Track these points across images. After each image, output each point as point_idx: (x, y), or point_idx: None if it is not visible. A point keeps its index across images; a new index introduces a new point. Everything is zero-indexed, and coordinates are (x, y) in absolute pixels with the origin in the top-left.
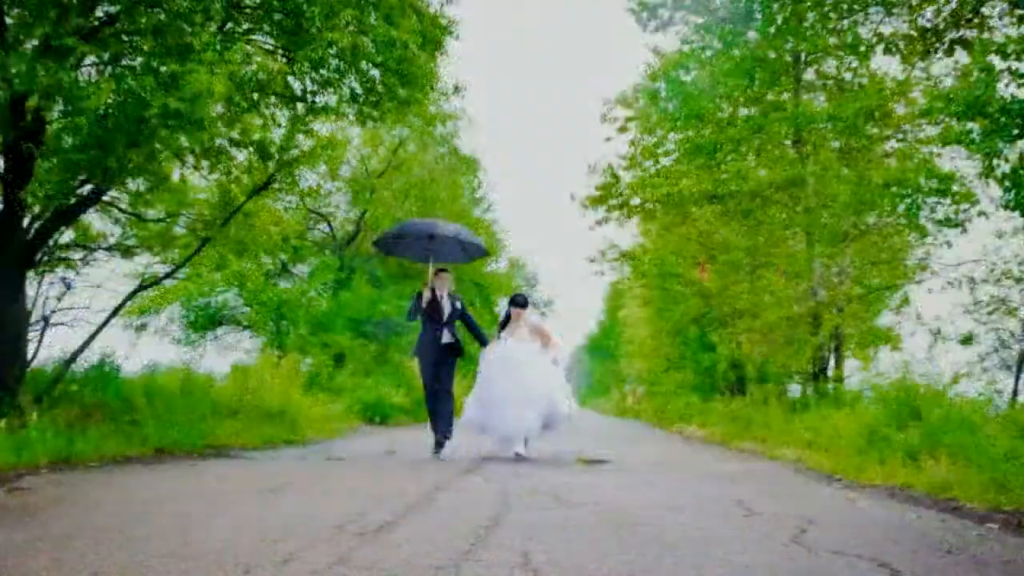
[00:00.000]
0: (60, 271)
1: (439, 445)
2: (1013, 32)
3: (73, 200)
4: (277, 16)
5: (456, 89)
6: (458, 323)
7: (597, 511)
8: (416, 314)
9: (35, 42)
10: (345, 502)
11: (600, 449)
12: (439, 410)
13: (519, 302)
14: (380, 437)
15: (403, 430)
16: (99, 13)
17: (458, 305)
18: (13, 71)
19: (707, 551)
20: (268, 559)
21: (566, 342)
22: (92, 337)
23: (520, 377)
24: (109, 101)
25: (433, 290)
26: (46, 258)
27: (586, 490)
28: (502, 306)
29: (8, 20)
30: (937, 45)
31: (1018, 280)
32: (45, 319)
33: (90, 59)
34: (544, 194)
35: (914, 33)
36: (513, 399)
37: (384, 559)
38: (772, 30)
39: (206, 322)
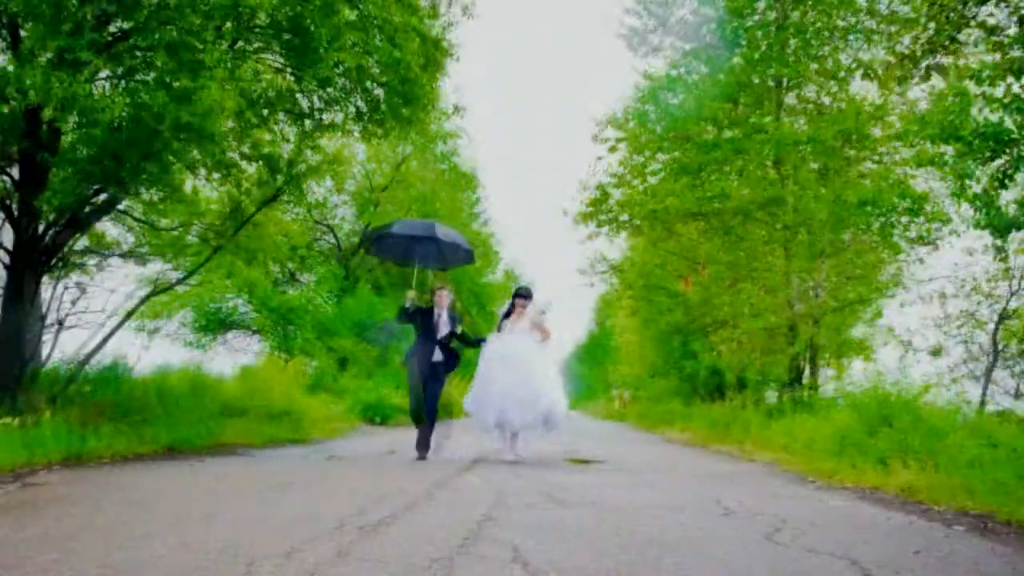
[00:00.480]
0: (75, 276)
1: (438, 447)
2: (988, 59)
3: (88, 208)
4: (286, 36)
5: (456, 109)
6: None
7: (583, 506)
8: (414, 316)
9: (50, 55)
10: (346, 500)
11: (593, 450)
12: (428, 416)
13: (523, 293)
14: (381, 437)
15: (403, 430)
16: (112, 29)
17: (458, 330)
18: (28, 83)
19: (697, 550)
20: (270, 554)
21: (559, 348)
22: (106, 339)
23: (522, 376)
24: (123, 114)
25: (432, 308)
26: (61, 263)
27: (578, 489)
28: (502, 311)
29: (23, 33)
30: (914, 71)
31: (987, 295)
32: (60, 322)
33: (105, 73)
34: (538, 203)
35: (892, 59)
36: (515, 398)
37: (383, 554)
38: (756, 56)
39: (216, 326)
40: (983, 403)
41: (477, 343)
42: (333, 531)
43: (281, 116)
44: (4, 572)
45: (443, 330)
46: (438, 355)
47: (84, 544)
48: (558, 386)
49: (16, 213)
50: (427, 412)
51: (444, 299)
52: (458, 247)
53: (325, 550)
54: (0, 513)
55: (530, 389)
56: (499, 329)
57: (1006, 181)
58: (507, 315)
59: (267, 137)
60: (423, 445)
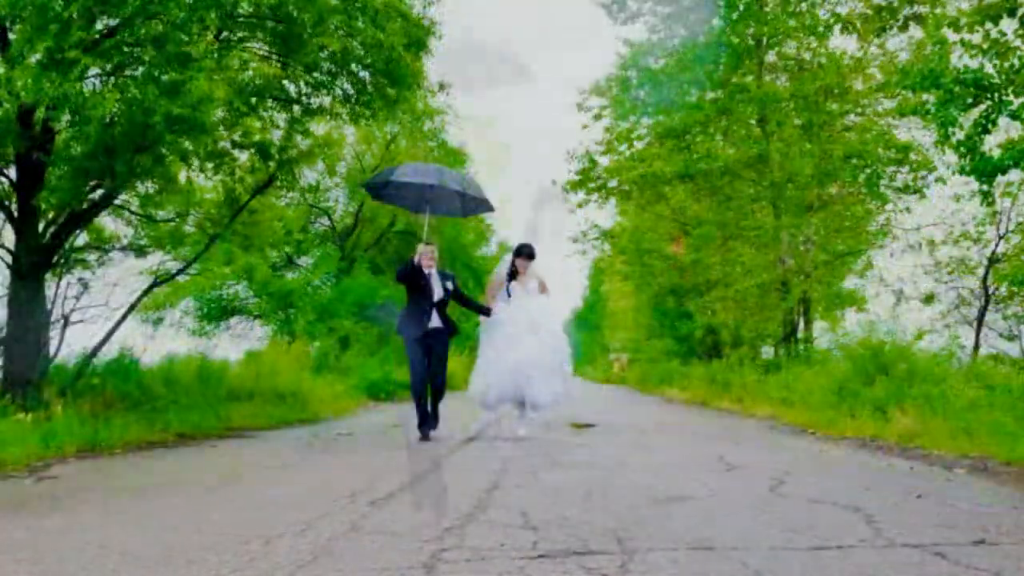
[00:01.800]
0: (77, 272)
1: (429, 429)
2: (965, 5)
3: (85, 204)
4: (270, 24)
5: (441, 87)
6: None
7: (588, 468)
8: (406, 276)
9: (39, 56)
10: (356, 473)
11: (596, 413)
12: (428, 394)
13: (527, 252)
14: (385, 414)
15: (407, 405)
16: (99, 26)
17: (449, 286)
18: (19, 84)
19: (703, 506)
20: (287, 528)
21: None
22: (112, 331)
23: (533, 354)
24: (114, 110)
25: (420, 267)
26: (63, 260)
27: (582, 451)
28: (501, 275)
29: (11, 36)
30: (892, 22)
31: (976, 240)
32: (65, 318)
33: (94, 70)
34: (527, 175)
35: (869, 12)
36: (528, 377)
37: (394, 523)
38: (735, 16)
39: (219, 313)
40: (977, 347)
41: (481, 309)
42: (346, 504)
43: (270, 103)
44: (25, 566)
45: (437, 292)
46: (436, 320)
47: (110, 528)
48: (565, 355)
49: (16, 213)
50: (434, 389)
51: (427, 258)
52: (476, 195)
53: (338, 521)
54: (17, 507)
55: (543, 366)
56: (508, 294)
57: (988, 126)
58: (511, 277)
59: (257, 124)
60: (426, 423)
